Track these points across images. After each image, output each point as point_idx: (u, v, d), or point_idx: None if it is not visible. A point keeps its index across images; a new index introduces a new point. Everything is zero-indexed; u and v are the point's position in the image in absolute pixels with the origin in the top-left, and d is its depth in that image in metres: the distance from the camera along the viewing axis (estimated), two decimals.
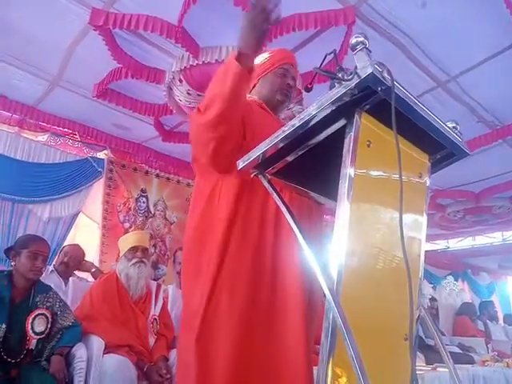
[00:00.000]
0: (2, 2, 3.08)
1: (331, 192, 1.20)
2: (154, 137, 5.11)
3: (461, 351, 4.45)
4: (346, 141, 1.02)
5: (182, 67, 3.42)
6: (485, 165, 5.09)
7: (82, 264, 3.70)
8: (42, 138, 4.93)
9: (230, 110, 1.33)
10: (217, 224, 1.40)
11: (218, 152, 1.36)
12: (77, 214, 5.08)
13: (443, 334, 4.99)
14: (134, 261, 2.78)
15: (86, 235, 5.23)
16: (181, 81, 3.55)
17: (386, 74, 0.96)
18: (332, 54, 1.16)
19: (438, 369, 3.44)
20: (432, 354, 3.81)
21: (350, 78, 0.92)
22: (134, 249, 2.83)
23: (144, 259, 2.82)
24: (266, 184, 1.16)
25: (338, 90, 0.95)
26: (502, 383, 3.20)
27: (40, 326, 2.19)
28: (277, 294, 1.35)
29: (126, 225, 5.45)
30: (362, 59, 0.93)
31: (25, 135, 4.78)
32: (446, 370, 1.24)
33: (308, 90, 1.49)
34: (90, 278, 3.88)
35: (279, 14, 1.30)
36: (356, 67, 0.93)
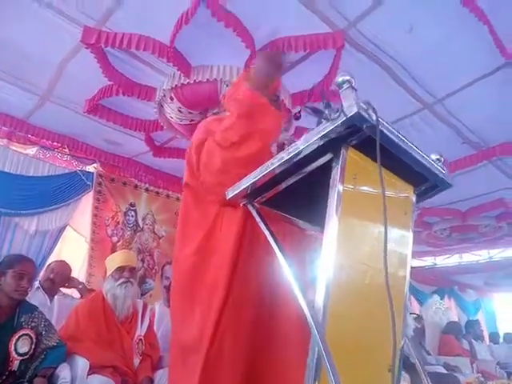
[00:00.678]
0: None
1: (317, 219, 1.23)
2: (144, 152, 5.11)
3: (446, 371, 4.46)
4: (333, 174, 1.05)
5: (174, 85, 3.44)
6: (471, 184, 5.17)
7: (68, 281, 3.66)
8: (31, 150, 4.90)
9: (268, 148, 1.35)
10: (220, 256, 1.37)
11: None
12: (64, 228, 5.03)
13: (429, 354, 5.00)
14: (120, 281, 2.76)
15: (73, 249, 5.17)
16: (172, 98, 3.57)
17: (371, 112, 0.99)
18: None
19: None
20: (417, 375, 3.80)
21: (336, 116, 0.95)
22: (120, 268, 2.81)
23: (131, 279, 2.80)
24: (254, 213, 1.18)
25: (325, 127, 0.98)
26: None
27: (24, 346, 2.16)
28: (275, 319, 1.36)
29: (114, 239, 5.42)
30: (348, 98, 0.97)
31: (13, 148, 4.76)
32: None
33: (297, 118, 1.52)
34: (75, 294, 3.84)
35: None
36: (342, 105, 0.96)
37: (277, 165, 1.07)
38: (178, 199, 6.12)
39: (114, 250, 5.29)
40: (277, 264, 1.37)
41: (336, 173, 1.04)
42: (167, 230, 5.94)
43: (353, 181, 1.05)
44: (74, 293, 3.86)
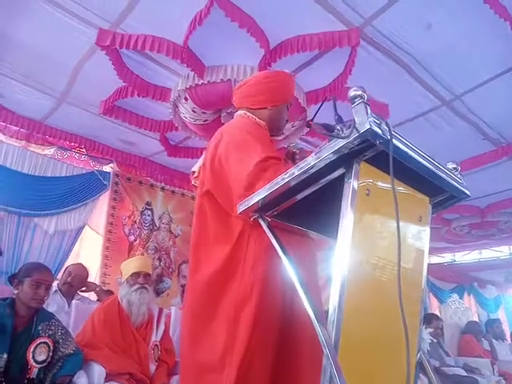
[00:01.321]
0: (12, 20, 3.13)
1: (330, 231, 1.22)
2: (159, 151, 5.15)
3: (466, 373, 4.39)
4: (345, 188, 1.03)
5: (188, 86, 3.44)
6: (490, 181, 5.08)
7: (86, 284, 3.70)
8: (49, 151, 4.97)
9: None
10: (251, 272, 1.34)
11: None
12: (82, 227, 5.10)
13: (448, 355, 4.92)
14: (135, 287, 2.77)
15: (91, 248, 5.24)
16: (186, 99, 3.58)
17: (384, 126, 0.97)
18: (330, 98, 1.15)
19: None
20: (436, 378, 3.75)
21: (348, 133, 0.93)
22: (136, 274, 2.82)
23: (146, 285, 2.81)
24: (265, 227, 1.17)
25: (337, 143, 0.96)
26: None
27: (41, 354, 2.17)
28: (295, 340, 1.34)
29: (131, 238, 5.48)
30: (361, 113, 0.94)
31: (32, 149, 4.82)
32: None
33: (309, 126, 1.49)
34: (93, 297, 3.89)
35: None
36: (354, 121, 0.94)
37: (288, 180, 1.06)
38: (193, 198, 6.15)
39: (130, 249, 5.36)
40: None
41: (348, 187, 1.01)
42: (183, 228, 5.98)
43: (366, 196, 1.03)
44: (90, 295, 3.91)
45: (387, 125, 0.96)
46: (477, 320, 7.66)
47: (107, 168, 5.45)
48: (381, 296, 1.09)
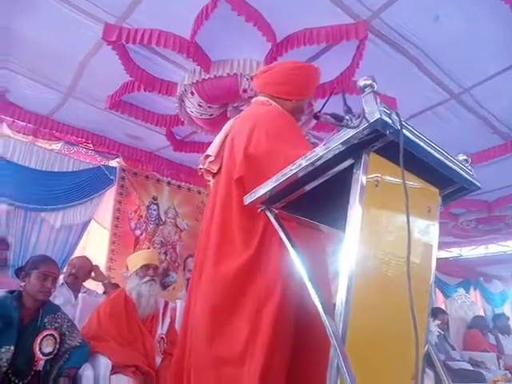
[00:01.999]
0: (18, 16, 3.13)
1: (339, 222, 1.21)
2: (165, 146, 5.15)
3: (471, 367, 4.38)
4: (354, 180, 1.02)
5: (194, 80, 3.44)
6: (498, 175, 5.02)
7: (95, 273, 3.71)
8: (56, 146, 4.98)
9: None
10: (276, 266, 1.33)
11: None
12: (88, 222, 5.12)
13: (453, 349, 4.91)
14: (146, 279, 2.78)
15: (98, 243, 5.27)
16: (192, 93, 3.57)
17: (394, 116, 0.96)
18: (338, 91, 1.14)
19: None
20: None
21: (357, 123, 0.92)
22: (145, 267, 2.83)
23: (155, 277, 2.83)
24: (272, 219, 1.16)
25: (346, 133, 0.95)
26: None
27: (48, 346, 2.19)
28: (309, 338, 1.33)
29: (137, 232, 5.49)
30: (370, 103, 0.93)
31: (39, 144, 4.84)
32: None
33: (317, 117, 1.48)
34: (100, 290, 3.90)
35: None
36: (364, 111, 0.93)
37: (295, 171, 1.05)
38: (199, 192, 6.17)
39: (136, 244, 5.38)
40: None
41: (357, 178, 1.00)
42: (189, 223, 5.99)
43: (375, 187, 1.02)
44: (98, 288, 3.93)
45: (397, 115, 0.95)
46: (483, 315, 7.63)
47: (113, 163, 5.46)
48: (388, 290, 1.08)
